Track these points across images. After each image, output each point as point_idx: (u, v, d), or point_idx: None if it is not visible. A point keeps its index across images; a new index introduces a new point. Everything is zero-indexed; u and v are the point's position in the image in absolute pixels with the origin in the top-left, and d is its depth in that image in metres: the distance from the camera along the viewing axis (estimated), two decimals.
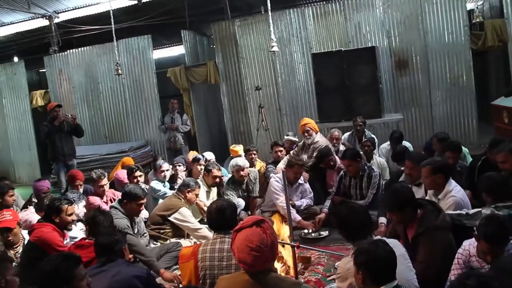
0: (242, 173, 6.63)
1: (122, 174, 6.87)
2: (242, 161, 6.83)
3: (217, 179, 6.50)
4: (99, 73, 11.80)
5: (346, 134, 8.15)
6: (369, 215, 3.36)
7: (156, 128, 11.26)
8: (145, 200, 5.08)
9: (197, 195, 5.75)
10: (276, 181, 6.34)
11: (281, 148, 7.63)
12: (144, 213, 5.80)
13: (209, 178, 6.48)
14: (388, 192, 3.83)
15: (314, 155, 7.28)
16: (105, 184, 6.14)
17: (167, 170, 7.19)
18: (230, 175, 7.05)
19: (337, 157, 6.92)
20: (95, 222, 4.19)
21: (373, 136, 7.83)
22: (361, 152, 6.99)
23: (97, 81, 11.82)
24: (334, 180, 6.55)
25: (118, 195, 5.97)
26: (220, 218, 3.37)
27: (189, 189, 5.60)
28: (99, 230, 3.88)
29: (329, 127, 9.09)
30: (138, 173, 6.63)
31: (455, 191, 4.24)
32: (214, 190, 6.72)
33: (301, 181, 6.41)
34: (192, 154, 7.97)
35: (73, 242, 4.84)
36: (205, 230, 5.30)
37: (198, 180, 6.55)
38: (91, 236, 4.15)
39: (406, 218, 3.66)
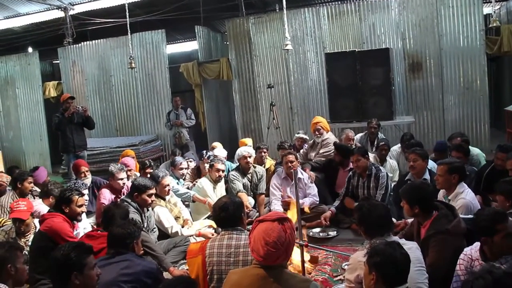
0: (249, 159, 6.66)
1: (126, 160, 6.98)
2: (248, 149, 6.87)
3: (220, 173, 6.44)
4: (112, 66, 11.89)
5: (359, 135, 8.15)
6: (390, 213, 3.36)
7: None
8: (154, 190, 5.13)
9: (167, 185, 5.62)
10: (274, 179, 6.50)
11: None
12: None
13: (212, 172, 6.46)
14: (409, 185, 3.89)
15: (320, 152, 7.43)
16: (124, 178, 6.08)
17: (186, 168, 7.22)
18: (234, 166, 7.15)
19: None
20: (109, 216, 4.22)
21: (385, 138, 7.79)
22: (374, 154, 6.99)
23: (110, 74, 11.91)
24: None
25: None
26: (224, 215, 3.36)
27: (155, 185, 5.40)
28: (112, 224, 3.87)
29: (340, 127, 9.17)
30: (149, 170, 6.68)
31: (465, 194, 4.27)
32: (222, 186, 6.68)
33: (300, 176, 6.37)
34: (216, 146, 7.96)
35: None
36: (175, 228, 5.38)
37: (205, 178, 6.60)
38: (103, 229, 4.18)
39: (414, 214, 3.74)
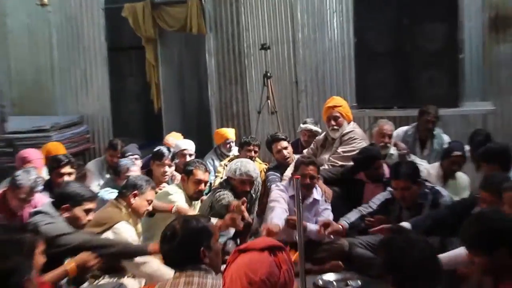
0: (248, 188, 6.54)
1: (27, 153, 7.18)
2: (256, 171, 6.71)
3: (202, 186, 6.37)
4: (7, 2, 11.75)
5: (401, 130, 8.05)
6: (437, 258, 3.26)
7: (98, 98, 11.51)
8: (94, 204, 5.17)
9: (149, 201, 5.68)
10: (278, 189, 6.52)
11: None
12: None
13: (189, 183, 6.35)
14: (472, 222, 3.64)
15: (339, 151, 7.44)
16: (30, 199, 5.86)
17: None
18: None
19: (385, 165, 6.86)
20: None
21: (446, 137, 7.78)
22: (438, 167, 6.88)
23: (4, 14, 11.75)
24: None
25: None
26: (168, 248, 3.40)
27: (135, 191, 5.53)
28: None
29: (372, 115, 9.26)
30: (67, 169, 6.58)
31: None
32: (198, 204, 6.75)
33: (317, 196, 6.43)
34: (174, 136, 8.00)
35: None
36: (151, 264, 5.15)
37: (175, 185, 6.67)
38: None
39: (497, 265, 3.48)
